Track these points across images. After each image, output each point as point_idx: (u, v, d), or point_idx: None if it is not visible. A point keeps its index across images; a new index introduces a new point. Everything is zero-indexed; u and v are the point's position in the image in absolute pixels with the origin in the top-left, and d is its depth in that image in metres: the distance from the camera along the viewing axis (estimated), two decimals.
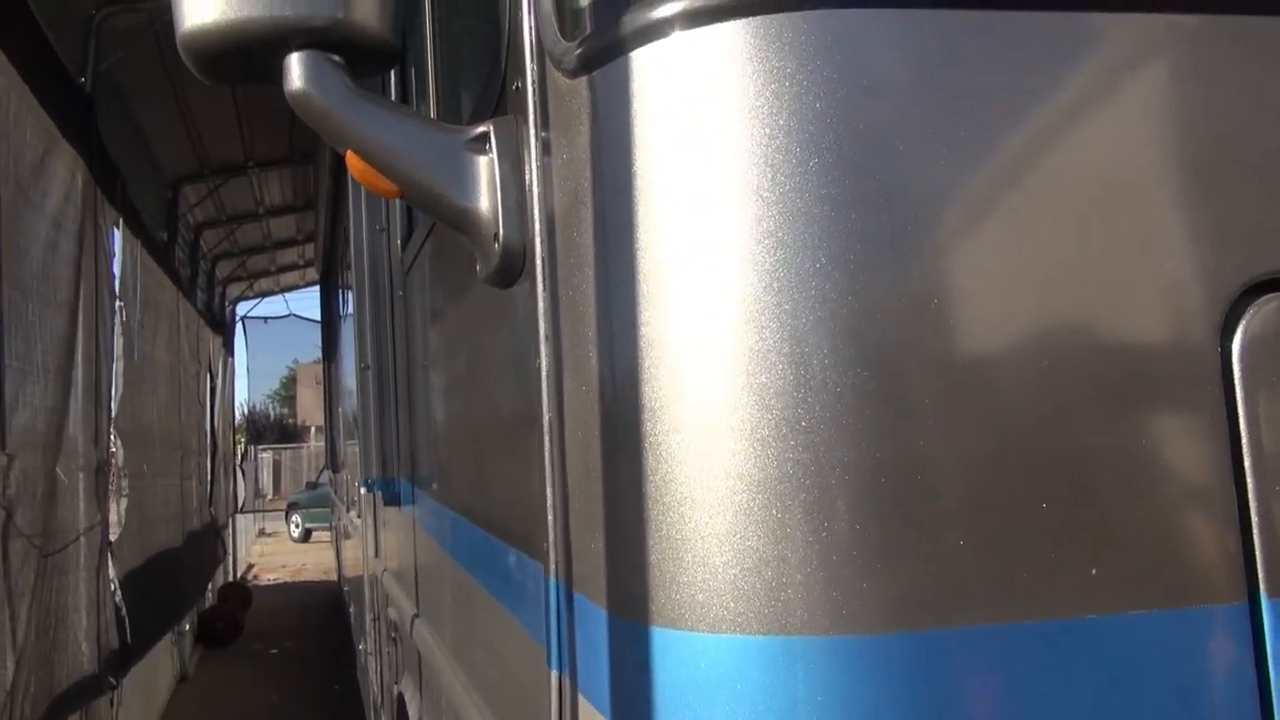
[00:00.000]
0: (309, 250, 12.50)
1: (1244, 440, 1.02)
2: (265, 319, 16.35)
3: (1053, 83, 1.05)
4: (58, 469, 4.49)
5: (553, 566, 1.27)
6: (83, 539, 4.91)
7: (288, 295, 15.83)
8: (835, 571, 0.96)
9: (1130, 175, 1.06)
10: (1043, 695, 0.97)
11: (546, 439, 1.27)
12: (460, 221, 1.42)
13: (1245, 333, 1.03)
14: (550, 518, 1.26)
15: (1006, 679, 0.98)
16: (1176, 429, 1.03)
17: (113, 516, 5.85)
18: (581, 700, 1.21)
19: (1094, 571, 0.98)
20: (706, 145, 1.04)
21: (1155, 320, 1.04)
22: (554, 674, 1.27)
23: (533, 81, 1.31)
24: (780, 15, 1.01)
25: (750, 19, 1.02)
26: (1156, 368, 1.03)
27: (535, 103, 1.30)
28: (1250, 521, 1.01)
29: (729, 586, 0.98)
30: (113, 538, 5.73)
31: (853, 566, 0.96)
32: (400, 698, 3.38)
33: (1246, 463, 1.01)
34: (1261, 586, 1.00)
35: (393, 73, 2.87)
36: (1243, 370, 1.02)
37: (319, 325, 12.88)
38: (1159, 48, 1.08)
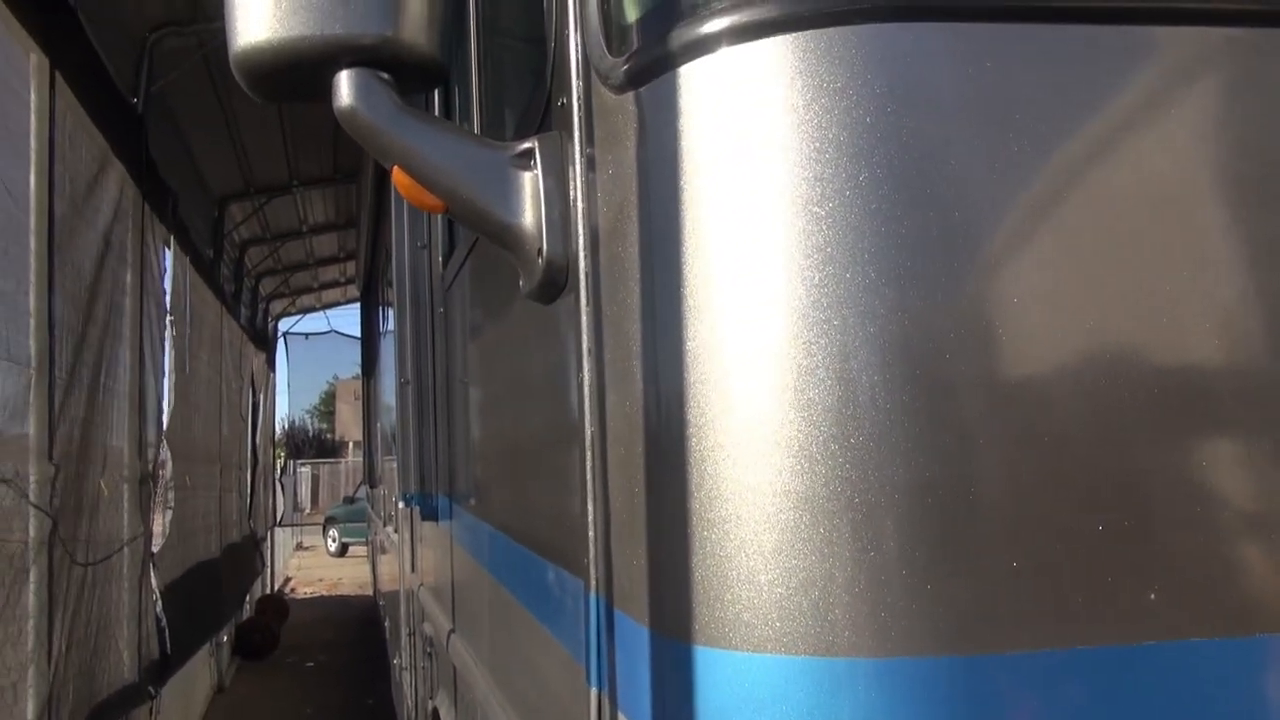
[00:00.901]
0: (350, 267, 12.66)
1: None
2: (306, 335, 16.58)
3: (1103, 96, 1.04)
4: (101, 480, 4.56)
5: (593, 583, 1.26)
6: (126, 549, 4.98)
7: (329, 312, 16.07)
8: (883, 592, 0.94)
9: (1185, 189, 1.04)
10: None
11: (589, 454, 1.26)
12: (504, 237, 1.43)
13: None
14: (591, 533, 1.26)
15: (1057, 705, 0.95)
16: (1237, 451, 1.01)
17: (156, 528, 5.93)
18: (621, 719, 1.20)
19: (1151, 597, 0.96)
20: (755, 159, 1.03)
21: (1213, 338, 1.01)
22: (593, 691, 1.26)
23: (578, 98, 1.31)
24: (828, 30, 1.01)
25: (798, 34, 1.02)
26: (1215, 387, 1.01)
27: (581, 119, 1.31)
28: None
29: (774, 605, 0.97)
30: (155, 549, 5.80)
31: (901, 587, 0.94)
32: (435, 713, 3.37)
33: None
34: None
35: (436, 91, 2.90)
36: None
37: (359, 341, 13.02)
38: (1211, 60, 1.06)
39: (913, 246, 0.98)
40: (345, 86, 1.32)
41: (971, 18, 1.03)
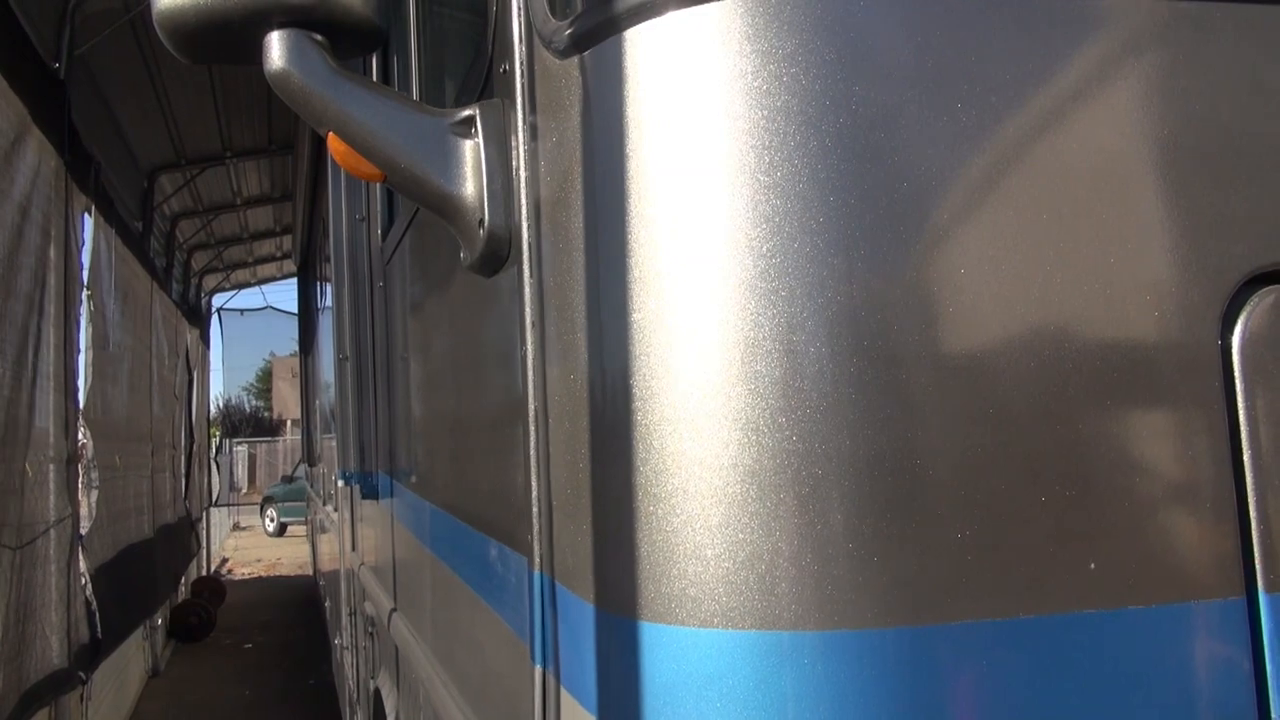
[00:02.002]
0: (287, 242, 12.39)
1: (1243, 435, 1.00)
2: (242, 311, 16.24)
3: (1054, 67, 1.03)
4: (26, 462, 4.41)
5: (537, 560, 1.24)
6: (52, 532, 4.83)
7: (265, 287, 15.74)
8: (829, 565, 0.94)
9: (1131, 164, 1.04)
10: (1039, 690, 0.95)
11: (532, 429, 1.24)
12: (444, 207, 1.39)
13: (1245, 326, 1.01)
14: (535, 510, 1.23)
15: (1002, 674, 0.96)
16: (1176, 423, 1.02)
17: (83, 509, 5.76)
18: (565, 696, 1.18)
19: (1092, 566, 0.97)
20: (701, 127, 1.01)
21: (1155, 313, 1.02)
22: (537, 669, 1.25)
23: (521, 63, 1.28)
24: None
25: None
26: (1156, 361, 1.02)
27: (523, 85, 1.27)
28: (1249, 516, 1.00)
29: (721, 580, 0.96)
30: (83, 531, 5.63)
31: (847, 560, 0.94)
32: (377, 692, 3.33)
33: (1245, 457, 1.00)
34: (1259, 582, 0.99)
35: (373, 55, 2.83)
36: (1243, 364, 1.01)
37: (296, 317, 12.77)
38: (1163, 34, 1.06)
39: (861, 216, 0.97)
40: (276, 48, 1.27)
41: None
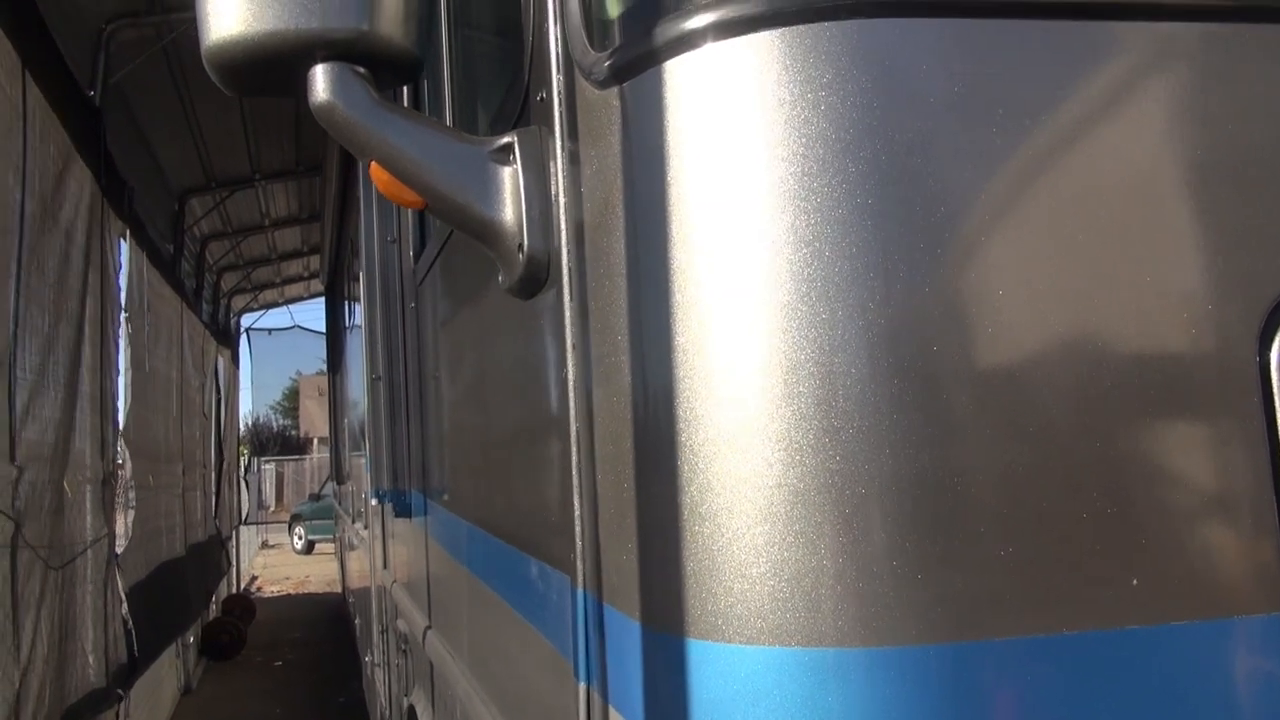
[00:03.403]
0: (314, 262, 12.52)
1: None
2: (269, 331, 16.40)
3: (1088, 91, 1.05)
4: (65, 482, 4.48)
5: (580, 578, 1.26)
6: (89, 551, 4.90)
7: (292, 307, 15.89)
8: (873, 582, 0.95)
9: (1164, 184, 1.06)
10: (1081, 706, 0.96)
11: (574, 449, 1.26)
12: (484, 232, 1.42)
13: None
14: (578, 528, 1.26)
15: (1044, 690, 0.97)
16: (1215, 439, 1.03)
17: (119, 528, 5.84)
18: (613, 713, 1.20)
19: (1134, 582, 0.98)
20: (742, 154, 1.04)
21: (1193, 330, 1.03)
22: (581, 686, 1.26)
23: (559, 92, 1.31)
24: (815, 25, 1.01)
25: (785, 29, 1.02)
26: (1194, 377, 1.03)
27: (562, 114, 1.30)
28: None
29: (767, 597, 0.98)
30: (119, 549, 5.72)
31: (890, 577, 0.95)
32: (411, 710, 3.36)
33: None
34: None
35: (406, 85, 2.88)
36: None
37: (323, 336, 12.89)
38: (1195, 56, 1.08)
39: (898, 240, 0.99)
40: (321, 81, 1.31)
41: (956, 13, 1.04)
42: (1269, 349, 1.03)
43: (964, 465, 0.98)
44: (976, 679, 0.96)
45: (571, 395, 1.27)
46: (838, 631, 0.95)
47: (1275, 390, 1.02)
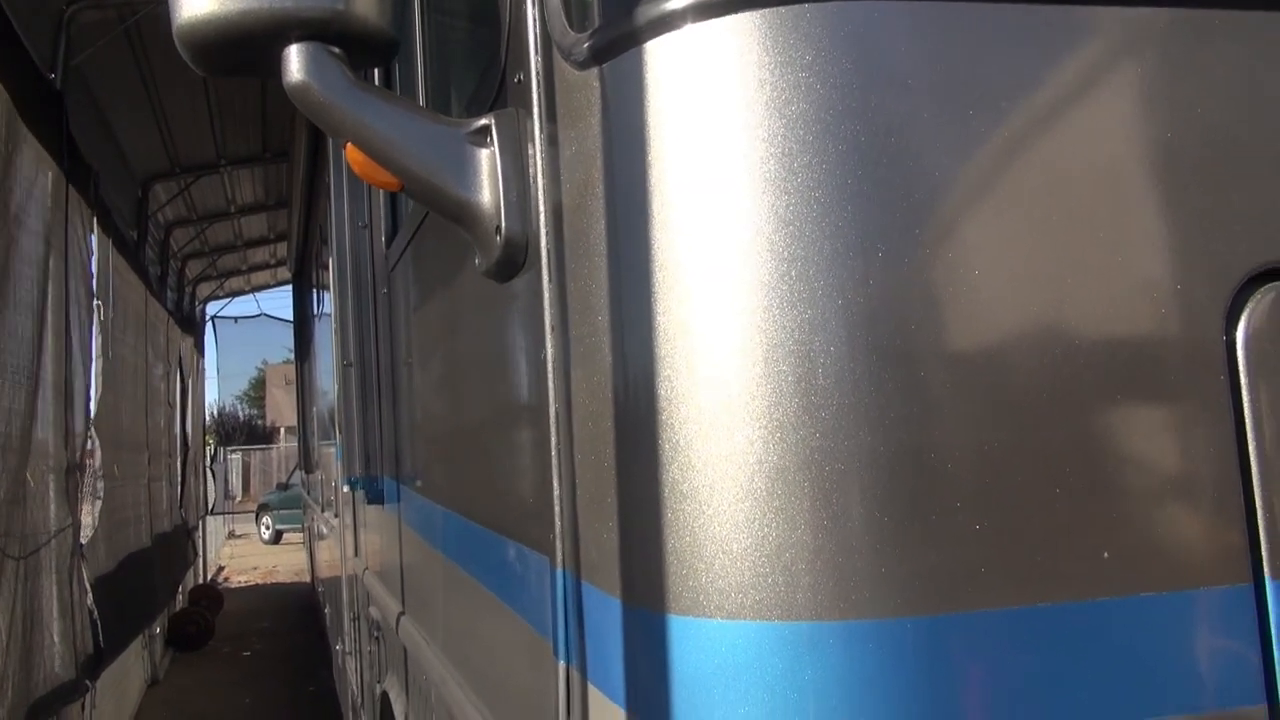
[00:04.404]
0: (281, 249, 12.39)
1: (1248, 427, 1.04)
2: (235, 319, 16.19)
3: (1062, 76, 1.07)
4: (28, 472, 4.41)
5: (560, 557, 1.27)
6: (54, 542, 4.83)
7: (258, 295, 15.71)
8: (851, 557, 0.97)
9: (1136, 167, 1.08)
10: (1054, 675, 0.99)
11: (553, 430, 1.27)
12: (461, 214, 1.42)
13: (1248, 322, 1.05)
14: (557, 509, 1.26)
15: (1017, 660, 0.99)
16: (1183, 417, 1.05)
17: (86, 519, 5.76)
18: (592, 690, 1.21)
19: (1105, 555, 1.00)
20: (722, 135, 1.04)
21: (1162, 311, 1.06)
22: (561, 665, 1.27)
23: (538, 73, 1.31)
24: (796, 7, 1.02)
25: (766, 10, 1.03)
26: (1163, 357, 1.05)
27: (540, 95, 1.30)
28: (1254, 506, 1.03)
29: (747, 573, 0.99)
30: (84, 540, 5.64)
31: (869, 552, 0.97)
32: (384, 696, 3.35)
33: (1250, 449, 1.04)
34: (1265, 569, 1.03)
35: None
36: (1246, 359, 1.04)
37: (290, 325, 12.76)
38: (1167, 41, 1.10)
39: (877, 220, 1.01)
40: (296, 61, 1.30)
41: None
42: (1235, 328, 1.05)
43: (940, 443, 0.99)
44: (952, 651, 0.97)
45: (550, 377, 1.27)
46: (817, 605, 0.97)
47: (1241, 368, 1.05)
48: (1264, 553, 1.03)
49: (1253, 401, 1.04)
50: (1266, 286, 1.06)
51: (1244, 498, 1.03)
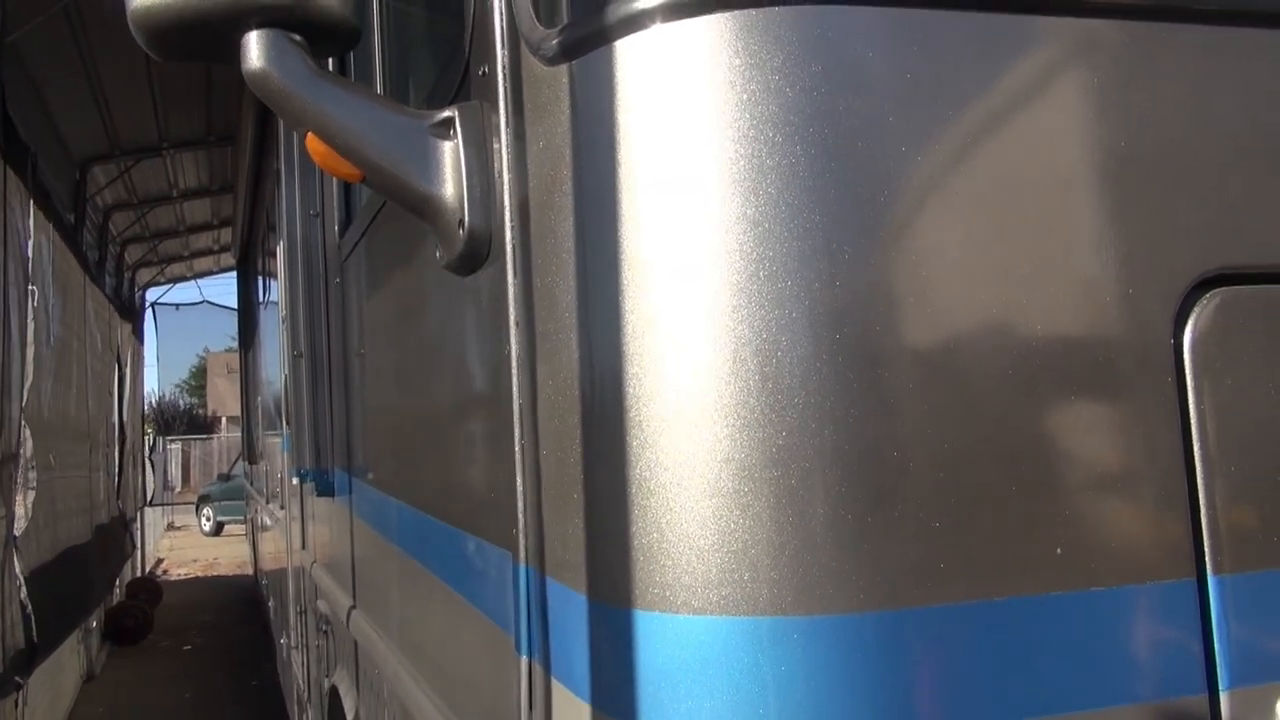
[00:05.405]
0: (225, 235, 12.14)
1: (1193, 428, 1.08)
2: (177, 306, 15.84)
3: (1022, 83, 1.10)
4: None
5: (523, 553, 1.27)
6: None
7: (201, 281, 15.38)
8: (815, 553, 0.99)
9: (1089, 175, 1.11)
10: (1009, 667, 1.02)
11: (517, 426, 1.27)
12: (423, 207, 1.41)
13: (1195, 326, 1.09)
14: (520, 504, 1.26)
15: (974, 652, 1.02)
16: (1133, 417, 1.09)
17: (19, 510, 5.60)
18: (556, 685, 1.22)
19: (1058, 551, 1.03)
20: (690, 135, 1.05)
21: (1114, 314, 1.09)
22: (523, 660, 1.28)
23: (504, 67, 1.30)
24: (767, 10, 1.03)
25: (736, 12, 1.04)
26: (1115, 360, 1.09)
27: (506, 89, 1.30)
28: (1198, 504, 1.07)
29: (713, 569, 1.00)
30: (18, 532, 5.48)
31: (833, 548, 0.99)
32: (333, 690, 3.32)
33: (1195, 449, 1.08)
34: (1208, 564, 1.07)
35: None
36: (1193, 361, 1.08)
37: (234, 312, 12.51)
38: (1121, 52, 1.13)
39: (844, 223, 1.02)
40: (255, 48, 1.28)
41: (904, 3, 1.07)
42: (1182, 331, 1.09)
43: (901, 441, 1.01)
44: (912, 644, 1.00)
45: (514, 372, 1.27)
46: (781, 601, 0.98)
47: (1187, 370, 1.08)
48: (1206, 549, 1.07)
49: (1198, 403, 1.08)
50: (1212, 292, 1.10)
51: (1189, 496, 1.07)
